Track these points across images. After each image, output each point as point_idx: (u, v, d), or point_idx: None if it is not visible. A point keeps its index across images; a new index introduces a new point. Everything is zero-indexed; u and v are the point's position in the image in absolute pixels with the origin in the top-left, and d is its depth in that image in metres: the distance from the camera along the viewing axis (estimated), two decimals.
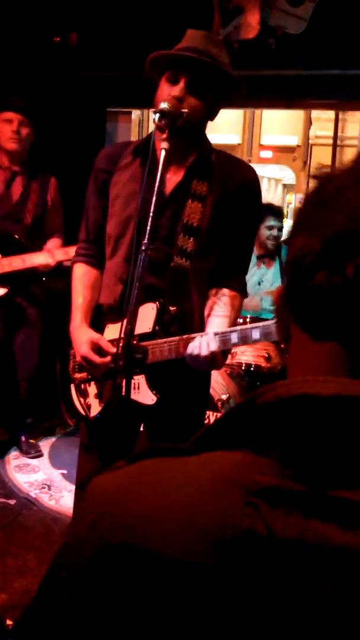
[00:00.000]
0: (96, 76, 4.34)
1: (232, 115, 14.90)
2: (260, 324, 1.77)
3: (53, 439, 4.12)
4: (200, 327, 1.91)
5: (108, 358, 1.92)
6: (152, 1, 4.02)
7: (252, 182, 2.02)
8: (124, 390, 1.72)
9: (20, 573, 2.64)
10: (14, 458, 3.81)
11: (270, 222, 4.18)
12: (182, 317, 1.94)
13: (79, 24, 4.21)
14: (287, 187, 20.17)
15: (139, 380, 1.93)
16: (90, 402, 2.07)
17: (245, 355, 3.71)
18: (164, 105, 1.80)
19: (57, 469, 3.71)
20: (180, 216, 1.93)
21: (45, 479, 3.57)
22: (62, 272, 3.81)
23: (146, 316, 1.91)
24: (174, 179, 1.97)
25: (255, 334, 1.75)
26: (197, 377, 2.12)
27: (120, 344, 1.74)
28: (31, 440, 3.90)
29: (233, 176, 1.96)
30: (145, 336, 1.91)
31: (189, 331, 1.86)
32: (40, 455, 3.85)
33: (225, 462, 0.53)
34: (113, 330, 1.95)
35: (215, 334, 1.78)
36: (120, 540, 0.52)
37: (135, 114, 4.82)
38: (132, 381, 1.91)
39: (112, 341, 1.93)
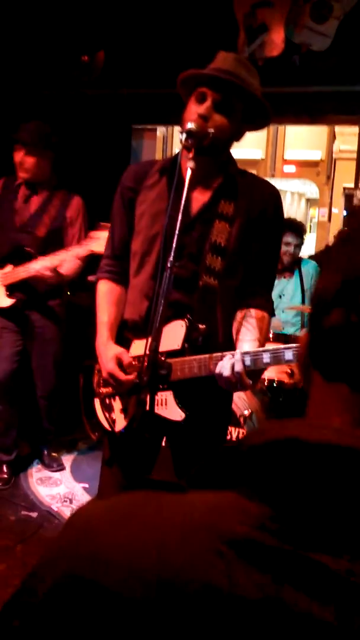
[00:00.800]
0: (122, 94, 4.40)
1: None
2: (294, 345, 1.76)
3: (75, 453, 4.14)
4: (225, 346, 1.91)
5: (133, 375, 1.93)
6: (178, 19, 4.08)
7: (276, 205, 2.04)
8: (148, 405, 1.73)
9: None
10: (37, 471, 3.84)
11: (288, 238, 4.17)
12: (209, 335, 1.95)
13: (106, 42, 4.28)
14: (310, 202, 20.16)
15: (166, 396, 1.94)
16: (116, 417, 2.08)
17: (268, 371, 3.70)
18: (190, 125, 1.83)
19: (79, 482, 3.73)
20: (208, 235, 1.95)
21: (67, 492, 3.58)
22: (86, 287, 3.84)
23: (175, 333, 1.93)
24: (200, 198, 1.99)
25: (288, 355, 1.74)
26: (220, 394, 2.12)
27: (145, 360, 1.75)
28: (53, 454, 3.92)
29: (258, 200, 1.99)
30: (174, 353, 1.92)
31: (213, 349, 1.87)
32: (63, 469, 3.87)
33: (209, 504, 0.50)
34: (139, 347, 1.97)
35: (244, 353, 1.77)
36: (75, 572, 0.49)
37: (160, 130, 4.86)
38: (159, 397, 1.93)
39: (138, 357, 1.94)
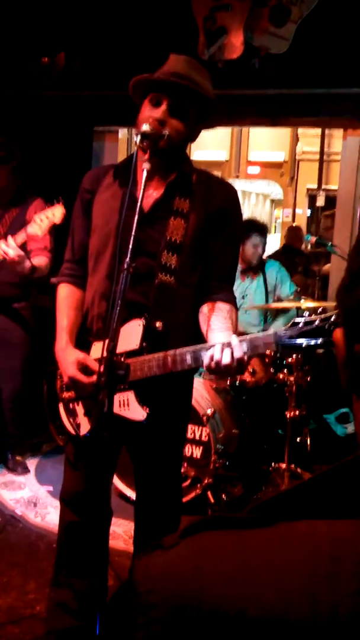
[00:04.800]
0: (83, 96, 4.39)
1: (219, 132, 15.07)
2: (248, 336, 1.77)
3: (39, 456, 4.11)
4: (185, 342, 1.91)
5: (95, 377, 1.93)
6: (139, 22, 4.09)
7: (233, 202, 2.06)
8: (106, 406, 1.73)
9: (5, 590, 2.63)
10: (0, 475, 3.81)
11: (256, 240, 4.22)
12: (167, 333, 1.96)
13: (67, 44, 4.27)
14: (274, 202, 20.33)
15: (128, 396, 1.94)
16: (80, 421, 2.08)
17: None
18: (145, 127, 1.85)
19: (43, 485, 3.71)
20: (164, 233, 1.96)
21: (32, 496, 3.56)
22: (49, 289, 3.82)
23: (132, 333, 1.93)
24: (154, 194, 2.00)
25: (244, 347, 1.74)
26: (181, 392, 2.14)
27: (102, 362, 1.76)
28: (17, 458, 3.90)
29: (214, 196, 2.01)
30: (132, 353, 1.92)
31: (174, 347, 1.87)
32: (27, 472, 3.85)
33: (321, 535, 0.50)
34: (99, 349, 1.97)
35: (242, 340, 1.76)
36: (220, 629, 0.48)
37: (122, 132, 4.85)
38: (120, 398, 1.93)
39: (98, 360, 1.94)
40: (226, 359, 1.72)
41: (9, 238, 3.19)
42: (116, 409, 1.93)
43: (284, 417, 3.58)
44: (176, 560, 0.53)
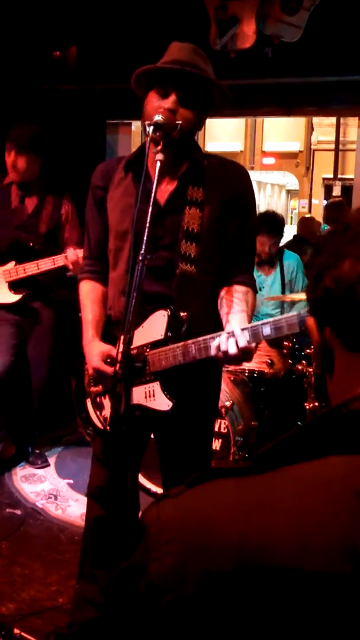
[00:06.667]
0: (96, 89, 4.39)
1: (234, 123, 15.01)
2: (271, 319, 1.74)
3: (59, 449, 4.14)
4: (209, 329, 1.90)
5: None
6: (150, 14, 4.07)
7: (246, 186, 2.06)
8: (123, 399, 1.74)
9: (27, 582, 2.66)
10: (21, 469, 3.84)
11: (264, 238, 4.15)
12: (192, 322, 1.96)
13: (78, 37, 4.26)
14: (290, 193, 20.19)
15: (153, 387, 1.95)
16: (107, 415, 2.09)
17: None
18: (158, 117, 1.83)
19: (64, 478, 3.73)
20: (181, 223, 1.96)
21: (52, 489, 3.59)
22: (69, 284, 3.86)
23: (157, 324, 1.94)
24: (168, 187, 2.00)
25: (266, 330, 1.72)
26: (208, 383, 2.14)
27: (119, 354, 1.76)
28: (37, 451, 3.93)
29: (227, 182, 2.00)
30: (157, 343, 1.94)
31: (198, 335, 1.87)
32: (47, 466, 3.88)
33: (330, 468, 0.54)
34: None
35: (243, 329, 1.74)
36: (235, 566, 0.52)
37: (135, 125, 4.84)
38: (146, 389, 1.95)
39: (122, 352, 1.94)
40: (232, 349, 1.71)
41: (74, 251, 3.30)
42: (142, 400, 1.96)
43: (304, 409, 3.56)
44: (184, 503, 0.58)
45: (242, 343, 1.71)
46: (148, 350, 1.95)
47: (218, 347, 1.74)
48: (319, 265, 0.68)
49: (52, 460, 3.96)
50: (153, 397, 1.95)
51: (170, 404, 1.91)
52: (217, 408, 2.30)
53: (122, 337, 1.78)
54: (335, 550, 0.50)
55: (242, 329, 1.74)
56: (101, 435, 2.15)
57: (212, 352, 1.76)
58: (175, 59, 1.91)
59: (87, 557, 2.21)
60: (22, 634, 2.28)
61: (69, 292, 3.98)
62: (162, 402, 1.93)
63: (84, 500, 3.41)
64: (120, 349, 1.75)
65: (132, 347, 1.82)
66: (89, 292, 2.19)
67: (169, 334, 1.92)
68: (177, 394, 1.93)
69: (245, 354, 1.73)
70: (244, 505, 0.54)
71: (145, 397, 1.95)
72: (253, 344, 1.76)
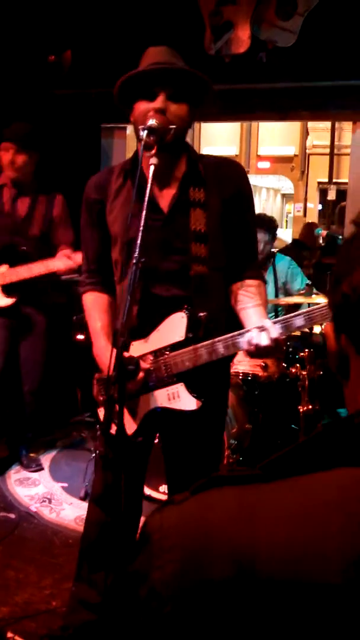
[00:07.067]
0: (91, 93, 4.40)
1: (229, 127, 15.05)
2: (304, 310, 1.82)
3: (53, 453, 4.13)
4: (222, 325, 1.96)
5: (140, 374, 1.93)
6: (145, 18, 4.09)
7: (244, 183, 2.09)
8: (116, 402, 1.74)
9: (21, 586, 2.66)
10: (15, 472, 3.83)
11: (259, 234, 4.16)
12: (211, 320, 1.98)
13: (73, 41, 4.27)
14: (285, 197, 20.22)
15: (177, 388, 1.96)
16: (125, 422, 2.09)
17: (242, 365, 3.74)
18: (152, 122, 1.84)
19: (58, 482, 3.73)
20: (188, 225, 1.98)
21: (46, 493, 3.58)
22: (62, 287, 3.87)
23: (176, 325, 1.96)
24: (168, 192, 2.01)
25: (299, 321, 1.80)
26: (221, 382, 2.17)
27: (111, 357, 1.76)
28: (32, 454, 3.92)
29: (226, 181, 2.03)
30: (178, 345, 1.95)
31: (214, 334, 1.90)
32: (41, 469, 3.87)
33: (338, 479, 0.54)
34: (138, 347, 1.99)
35: (274, 322, 1.82)
36: (235, 575, 0.52)
37: (130, 129, 4.85)
38: (169, 391, 1.97)
39: (139, 357, 1.95)
40: (265, 341, 1.78)
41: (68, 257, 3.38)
42: (165, 403, 1.98)
43: (298, 412, 3.57)
44: (187, 511, 0.58)
45: (275, 334, 1.78)
46: (168, 352, 1.96)
47: (249, 342, 1.80)
48: (337, 271, 0.68)
49: (46, 464, 3.95)
50: (178, 398, 1.96)
51: (199, 402, 1.93)
52: (227, 407, 2.31)
53: (132, 343, 1.80)
54: (344, 561, 0.50)
55: (274, 322, 1.82)
56: (110, 442, 2.14)
57: (244, 346, 1.83)
58: (154, 61, 1.92)
59: (85, 559, 2.21)
60: (16, 637, 2.28)
61: (62, 295, 4.02)
62: (188, 402, 1.95)
63: (78, 503, 3.43)
64: (127, 353, 1.76)
65: (150, 350, 1.91)
66: (94, 302, 2.19)
67: (190, 335, 1.94)
68: (199, 394, 1.95)
69: (277, 346, 1.81)
70: (246, 514, 0.55)
71: (169, 399, 1.97)
72: (283, 337, 1.83)
